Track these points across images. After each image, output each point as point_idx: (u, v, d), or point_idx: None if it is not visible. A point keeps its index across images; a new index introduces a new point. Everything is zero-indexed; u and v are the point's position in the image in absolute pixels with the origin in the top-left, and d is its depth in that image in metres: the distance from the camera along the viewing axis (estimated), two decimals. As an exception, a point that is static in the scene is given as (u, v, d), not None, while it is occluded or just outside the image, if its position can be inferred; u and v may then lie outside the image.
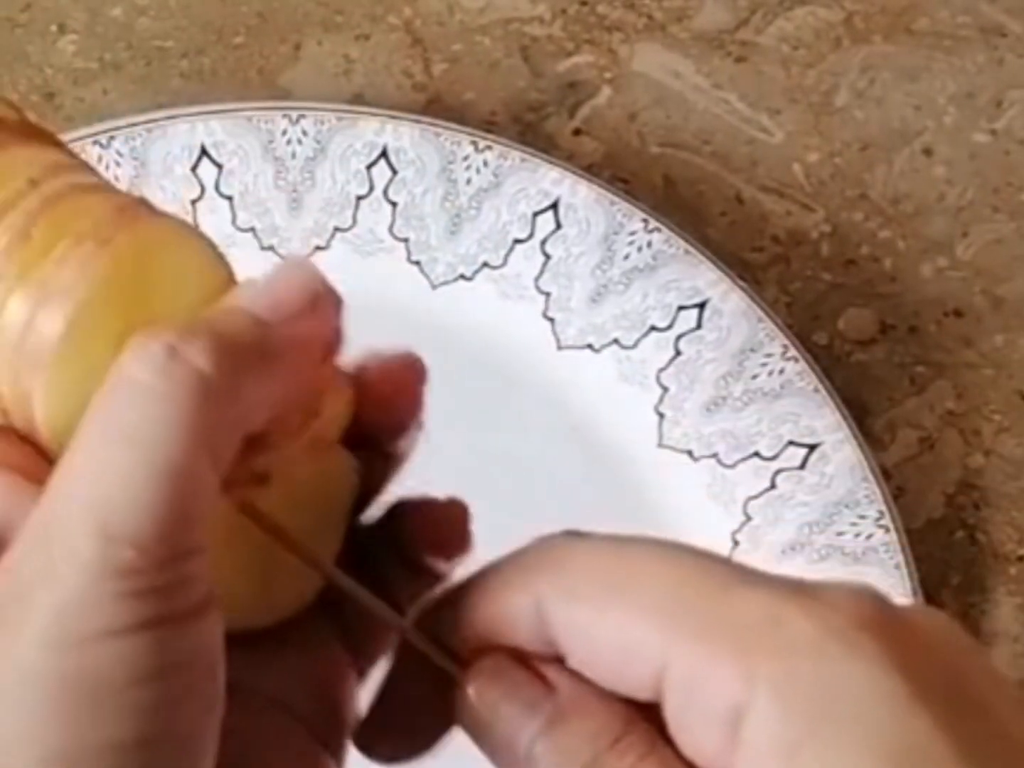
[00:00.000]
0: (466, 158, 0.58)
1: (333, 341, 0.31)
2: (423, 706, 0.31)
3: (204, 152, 0.58)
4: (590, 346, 0.57)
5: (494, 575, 0.31)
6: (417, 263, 0.58)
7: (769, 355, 0.56)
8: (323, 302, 0.30)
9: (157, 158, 0.58)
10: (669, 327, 0.57)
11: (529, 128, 0.63)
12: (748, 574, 0.29)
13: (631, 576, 0.29)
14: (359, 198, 0.58)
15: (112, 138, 0.58)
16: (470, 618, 0.30)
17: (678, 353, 0.57)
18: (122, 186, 0.58)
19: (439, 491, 0.34)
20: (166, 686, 0.26)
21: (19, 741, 0.25)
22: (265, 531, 0.30)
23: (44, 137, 0.33)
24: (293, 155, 0.58)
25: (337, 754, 0.32)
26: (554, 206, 0.58)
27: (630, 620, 0.28)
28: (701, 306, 0.57)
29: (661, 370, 0.57)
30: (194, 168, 0.58)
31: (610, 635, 0.28)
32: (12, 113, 0.32)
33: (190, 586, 0.26)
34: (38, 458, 0.29)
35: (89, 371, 0.28)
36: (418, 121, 0.59)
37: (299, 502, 0.31)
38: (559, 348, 0.57)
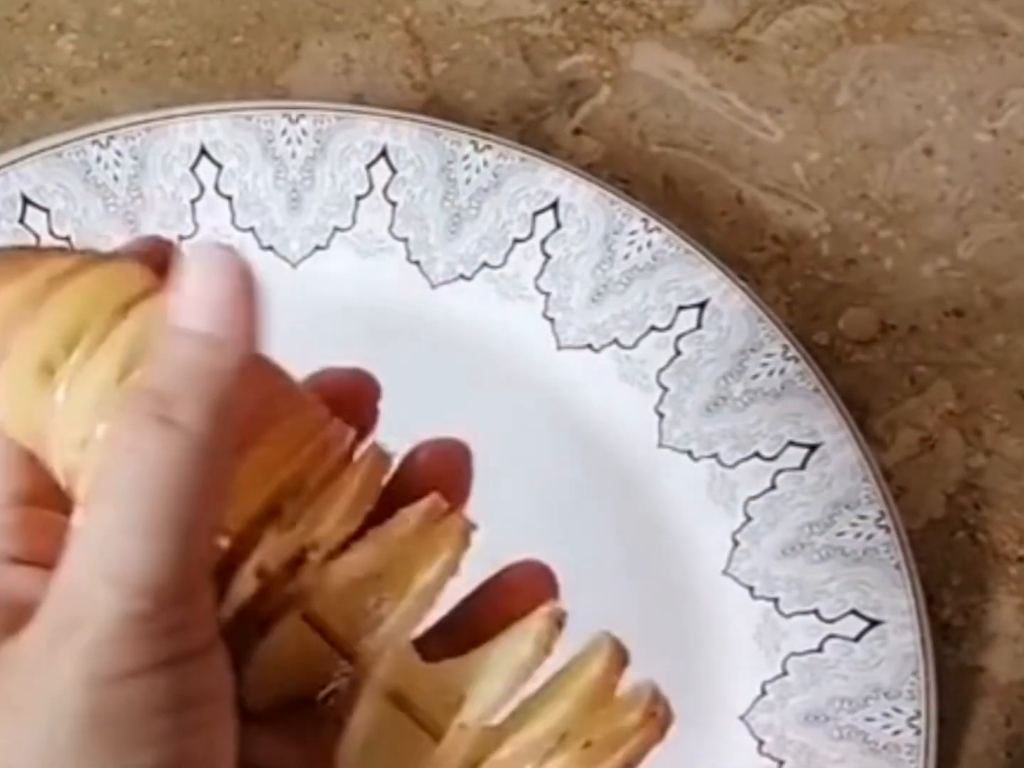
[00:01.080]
0: (466, 158, 0.58)
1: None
2: None
3: (203, 151, 0.58)
4: (590, 346, 0.57)
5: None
6: (417, 263, 0.58)
7: (769, 355, 0.56)
8: (250, 288, 0.31)
9: (156, 158, 0.58)
10: (669, 327, 0.57)
11: (529, 128, 0.63)
12: None
13: None
14: (359, 198, 0.58)
15: (111, 138, 0.58)
16: None
17: (678, 353, 0.57)
18: (122, 186, 0.58)
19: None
20: (184, 716, 0.29)
21: None
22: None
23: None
24: (293, 154, 0.58)
25: None
26: (554, 206, 0.58)
27: None
28: (701, 306, 0.57)
29: (661, 370, 0.57)
30: (193, 168, 0.58)
31: None
32: None
33: (199, 625, 0.29)
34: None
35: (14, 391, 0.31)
36: (418, 121, 0.59)
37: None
38: (559, 348, 0.57)
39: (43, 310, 0.32)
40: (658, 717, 0.32)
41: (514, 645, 0.32)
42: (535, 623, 0.32)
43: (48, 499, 0.33)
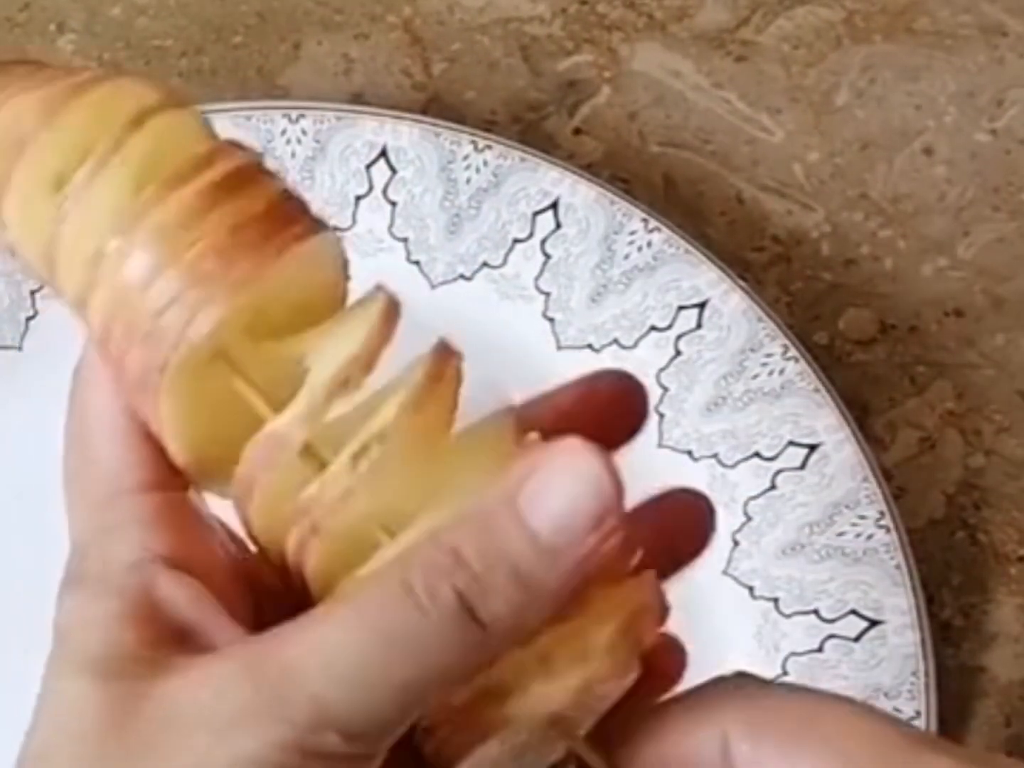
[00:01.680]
0: (466, 157, 0.58)
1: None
2: None
3: (203, 152, 0.58)
4: (590, 346, 0.57)
5: (677, 707, 0.31)
6: (416, 263, 0.58)
7: (769, 355, 0.56)
8: (611, 513, 0.28)
9: (156, 158, 0.58)
10: (669, 327, 0.57)
11: (529, 128, 0.63)
12: (932, 741, 0.31)
13: (821, 725, 0.29)
14: (358, 198, 0.58)
15: (111, 138, 0.58)
16: (651, 749, 0.30)
17: (678, 353, 0.57)
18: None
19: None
20: None
21: None
22: None
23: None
24: (292, 154, 0.58)
25: None
26: (554, 206, 0.58)
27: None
28: (701, 306, 0.57)
29: (661, 370, 0.57)
30: (193, 168, 0.58)
31: None
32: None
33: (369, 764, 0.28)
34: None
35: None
36: (418, 121, 0.59)
37: None
38: (559, 348, 0.57)
39: (56, 120, 0.30)
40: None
41: (358, 313, 0.32)
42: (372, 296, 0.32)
43: (169, 483, 0.31)
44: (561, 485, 0.28)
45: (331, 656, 0.27)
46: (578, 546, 0.28)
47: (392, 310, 0.32)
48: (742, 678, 0.31)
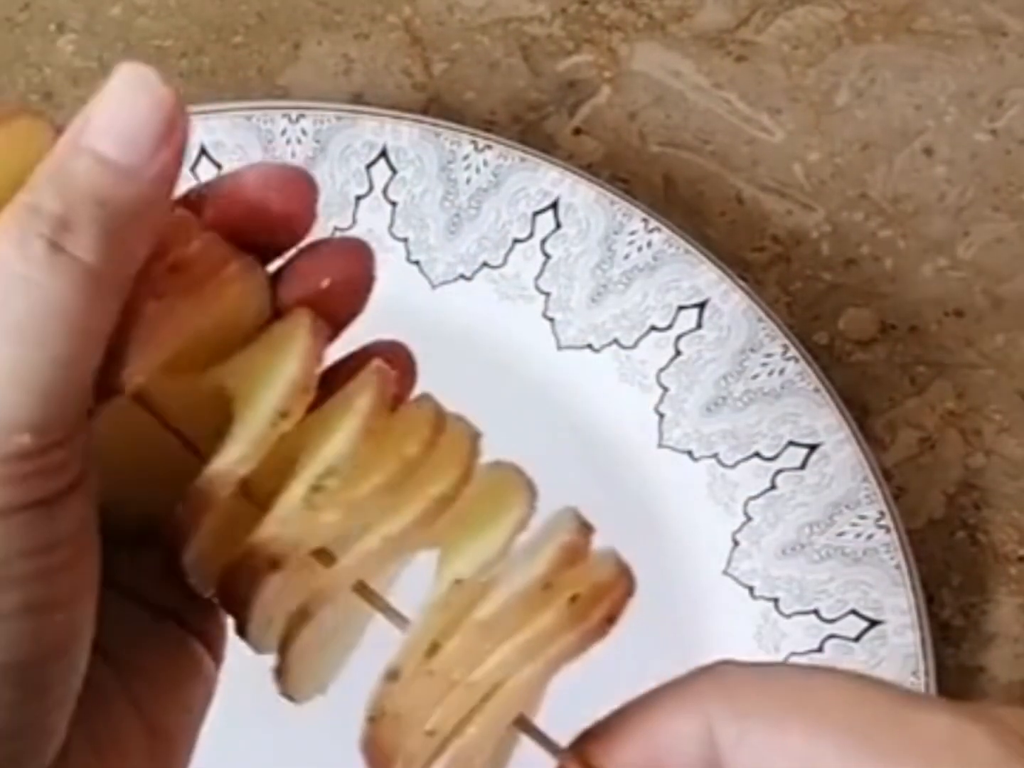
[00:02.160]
0: (466, 157, 0.58)
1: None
2: None
3: (203, 151, 0.58)
4: (590, 346, 0.57)
5: (659, 698, 0.30)
6: (417, 263, 0.58)
7: (769, 355, 0.56)
8: (178, 124, 0.28)
9: (156, 158, 0.58)
10: (669, 327, 0.57)
11: (529, 128, 0.63)
12: (925, 699, 0.30)
13: (808, 696, 0.29)
14: (358, 198, 0.58)
15: (111, 138, 0.58)
16: (633, 743, 0.30)
17: (678, 353, 0.57)
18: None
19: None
20: (48, 558, 0.27)
21: None
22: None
23: None
24: (293, 154, 0.58)
25: (212, 646, 0.33)
26: (554, 206, 0.58)
27: (811, 740, 0.28)
28: (701, 306, 0.57)
29: (661, 370, 0.57)
30: (193, 168, 0.58)
31: (788, 756, 0.28)
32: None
33: (68, 467, 0.27)
34: None
35: None
36: (418, 121, 0.59)
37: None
38: (559, 348, 0.57)
39: None
40: (629, 571, 0.32)
41: (282, 336, 0.31)
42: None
43: None
44: (118, 103, 0.28)
45: None
46: (151, 158, 0.28)
47: (318, 327, 0.31)
48: (724, 664, 0.31)
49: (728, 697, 0.30)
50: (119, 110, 0.28)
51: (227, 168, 0.58)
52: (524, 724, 0.30)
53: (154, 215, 0.28)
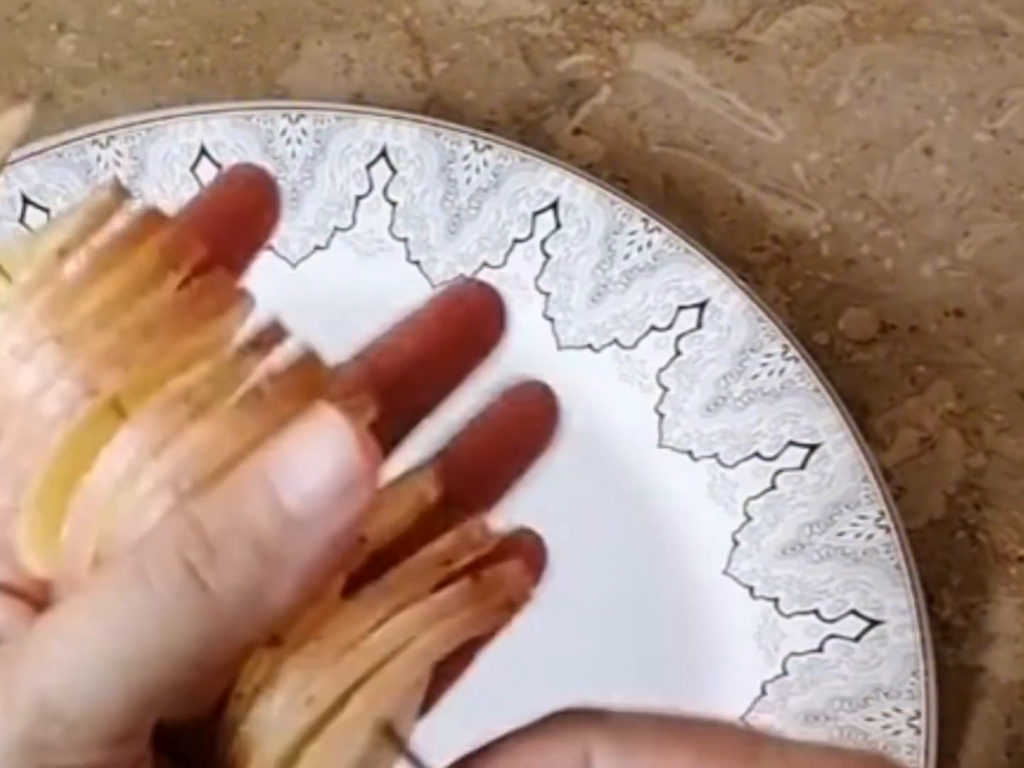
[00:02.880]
0: (466, 157, 0.58)
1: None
2: None
3: (204, 152, 0.58)
4: (590, 346, 0.57)
5: (532, 728, 0.30)
6: (417, 263, 0.58)
7: (769, 355, 0.56)
8: (359, 493, 0.27)
9: (156, 158, 0.58)
10: (669, 327, 0.57)
11: (529, 128, 0.63)
12: (779, 740, 0.30)
13: (693, 728, 0.29)
14: (358, 198, 0.58)
15: (111, 138, 0.58)
16: None
17: (678, 353, 0.57)
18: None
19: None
20: None
21: None
22: None
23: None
24: (293, 154, 0.58)
25: None
26: (554, 206, 0.58)
27: (697, 764, 0.28)
28: (701, 306, 0.57)
29: (661, 370, 0.57)
30: (193, 168, 0.58)
31: None
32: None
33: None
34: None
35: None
36: (418, 120, 0.59)
37: None
38: (559, 348, 0.57)
39: None
40: (537, 560, 0.31)
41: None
42: None
43: None
44: (309, 454, 0.27)
45: (55, 643, 0.26)
46: (325, 521, 0.27)
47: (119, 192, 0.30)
48: (590, 706, 0.30)
49: (609, 729, 0.29)
50: (308, 461, 0.27)
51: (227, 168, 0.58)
52: (394, 737, 0.29)
53: (307, 572, 0.27)
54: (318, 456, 0.27)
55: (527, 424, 0.33)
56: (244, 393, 0.28)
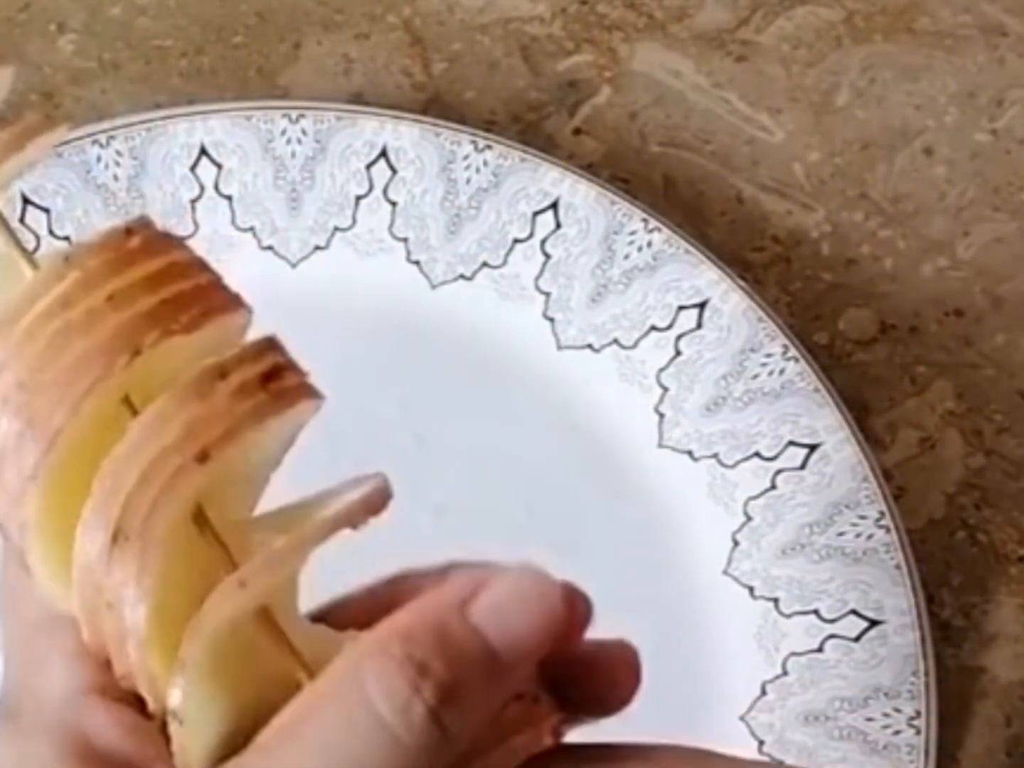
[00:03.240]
0: (466, 157, 0.58)
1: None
2: None
3: (203, 151, 0.58)
4: (590, 346, 0.57)
5: None
6: (416, 263, 0.58)
7: (769, 355, 0.56)
8: (557, 628, 0.29)
9: (156, 158, 0.58)
10: (669, 327, 0.57)
11: (529, 128, 0.63)
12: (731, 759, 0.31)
13: (631, 752, 0.31)
14: (358, 198, 0.58)
15: (111, 138, 0.58)
16: None
17: (678, 353, 0.57)
18: (122, 186, 0.58)
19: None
20: None
21: None
22: None
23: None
24: (293, 154, 0.58)
25: None
26: (554, 206, 0.58)
27: None
28: (701, 306, 0.57)
29: (661, 370, 0.57)
30: (193, 167, 0.58)
31: None
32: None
33: None
34: None
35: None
36: (418, 121, 0.59)
37: None
38: (559, 348, 0.57)
39: None
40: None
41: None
42: None
43: None
44: (517, 601, 0.28)
45: None
46: (524, 664, 0.28)
47: None
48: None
49: (570, 756, 0.30)
50: (516, 608, 0.28)
51: (227, 168, 0.58)
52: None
53: (498, 702, 0.29)
54: (523, 601, 0.28)
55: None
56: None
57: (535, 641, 0.28)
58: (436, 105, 0.63)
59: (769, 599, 0.53)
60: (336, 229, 0.58)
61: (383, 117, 0.59)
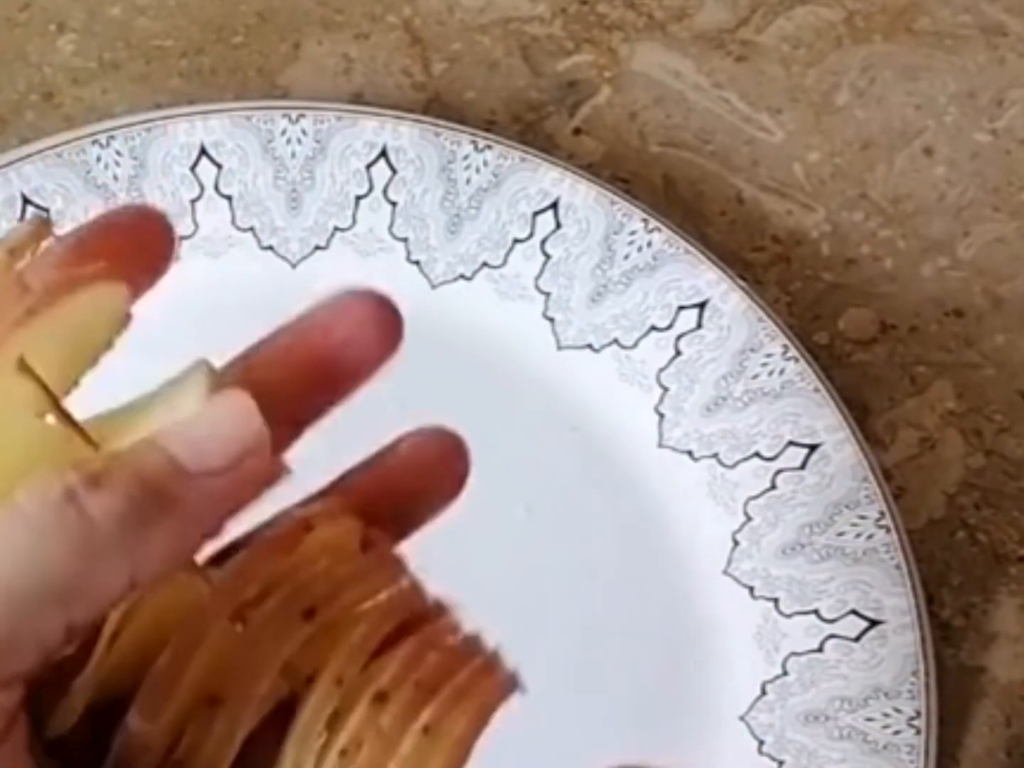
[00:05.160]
0: (466, 157, 0.58)
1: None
2: None
3: (203, 151, 0.58)
4: (590, 346, 0.57)
5: None
6: (416, 263, 0.58)
7: (769, 355, 0.56)
8: (254, 458, 0.28)
9: (156, 158, 0.58)
10: (669, 327, 0.57)
11: (529, 128, 0.63)
12: None
13: None
14: (359, 198, 0.58)
15: (111, 138, 0.58)
16: None
17: (678, 353, 0.57)
18: (122, 186, 0.58)
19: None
20: None
21: None
22: None
23: None
24: (293, 154, 0.58)
25: None
26: (554, 206, 0.58)
27: None
28: (701, 306, 0.57)
29: (661, 370, 0.57)
30: (193, 167, 0.58)
31: None
32: None
33: None
34: None
35: None
36: (418, 120, 0.59)
37: None
38: (559, 348, 0.57)
39: None
40: (497, 671, 0.31)
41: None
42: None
43: None
44: (209, 416, 0.28)
45: None
46: (216, 476, 0.27)
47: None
48: None
49: None
50: (205, 423, 0.28)
51: (227, 168, 0.58)
52: None
53: (193, 530, 0.28)
54: (217, 422, 0.28)
55: (433, 467, 0.33)
56: None
57: (225, 451, 0.27)
58: (436, 105, 0.63)
59: (769, 599, 0.54)
60: (336, 229, 0.58)
61: (383, 117, 0.59)
